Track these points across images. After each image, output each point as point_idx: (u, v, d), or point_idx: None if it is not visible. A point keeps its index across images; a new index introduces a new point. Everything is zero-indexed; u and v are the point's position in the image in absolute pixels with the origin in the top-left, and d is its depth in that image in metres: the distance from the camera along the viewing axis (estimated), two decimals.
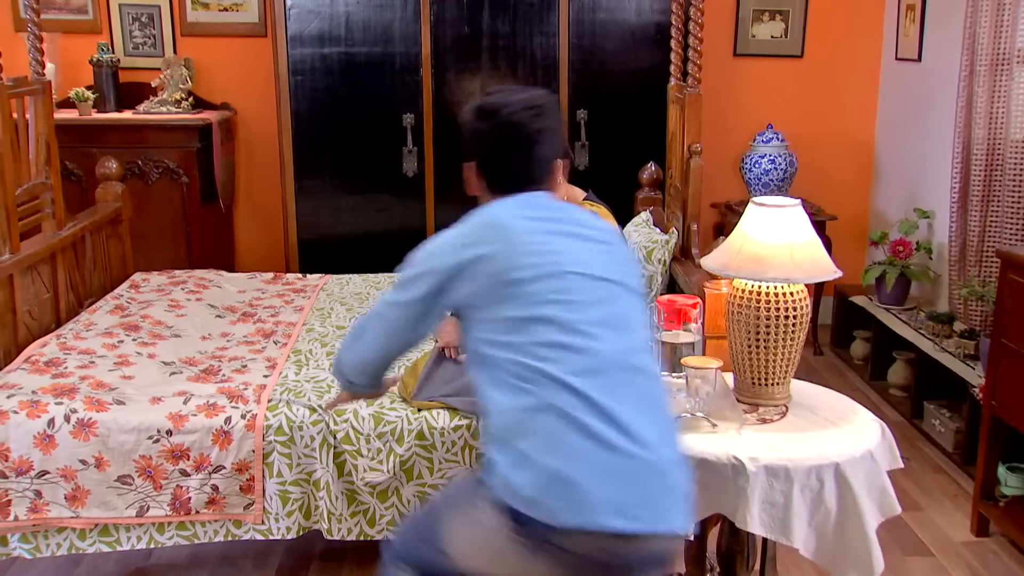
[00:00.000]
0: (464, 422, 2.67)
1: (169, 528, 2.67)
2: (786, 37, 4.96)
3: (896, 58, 4.80)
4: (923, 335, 3.93)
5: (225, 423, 2.62)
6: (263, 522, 2.65)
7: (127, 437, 2.59)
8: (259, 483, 2.62)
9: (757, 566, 2.40)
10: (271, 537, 2.67)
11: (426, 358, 2.88)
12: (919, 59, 4.55)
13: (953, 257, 4.01)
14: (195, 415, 2.64)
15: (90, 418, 2.60)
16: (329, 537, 2.68)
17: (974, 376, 3.47)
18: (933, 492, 3.45)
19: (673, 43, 3.61)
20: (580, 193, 2.87)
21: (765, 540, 2.35)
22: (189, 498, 2.61)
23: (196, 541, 2.70)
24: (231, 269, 4.84)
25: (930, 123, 4.45)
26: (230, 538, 2.70)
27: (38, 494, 2.58)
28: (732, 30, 4.94)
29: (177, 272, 4.01)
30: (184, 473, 2.61)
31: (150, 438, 2.60)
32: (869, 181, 5.12)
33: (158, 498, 2.61)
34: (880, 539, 2.12)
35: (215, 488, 2.62)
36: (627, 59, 4.40)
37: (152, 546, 2.69)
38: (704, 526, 2.57)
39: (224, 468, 2.61)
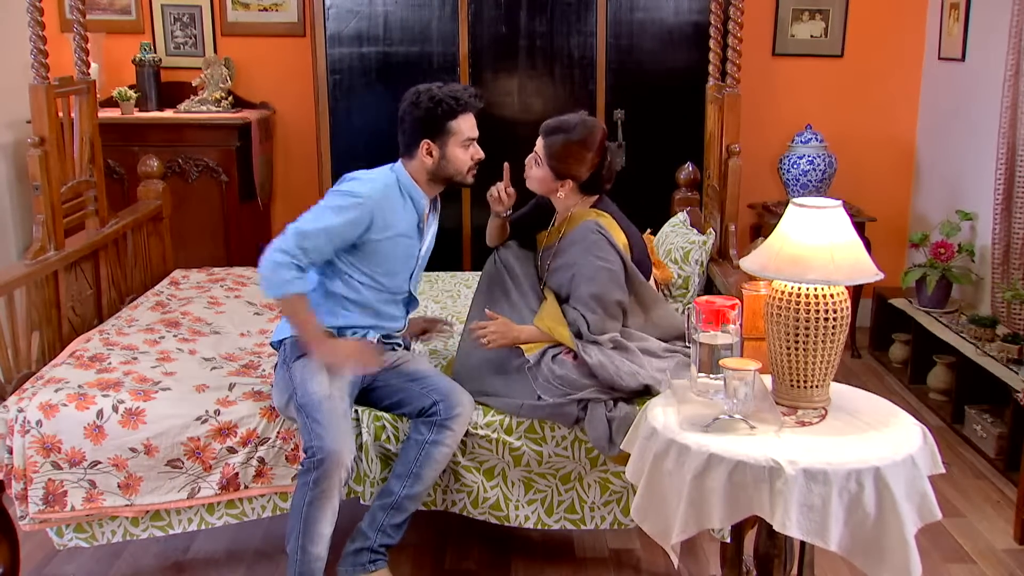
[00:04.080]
0: (498, 418, 2.71)
1: (218, 508, 2.72)
2: (826, 36, 4.91)
3: (939, 58, 4.73)
4: (964, 339, 3.87)
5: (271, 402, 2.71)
6: None
7: (175, 421, 2.64)
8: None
9: (794, 570, 2.38)
10: None
11: (451, 363, 2.90)
12: (963, 59, 4.49)
13: (996, 260, 3.96)
14: (242, 400, 2.71)
15: (138, 407, 2.65)
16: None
17: (1017, 381, 3.42)
18: (975, 499, 3.40)
19: (712, 43, 3.58)
20: (589, 202, 2.83)
21: (802, 543, 2.33)
22: (236, 474, 2.65)
23: (244, 519, 2.74)
24: None
25: (973, 124, 4.39)
26: (277, 512, 2.74)
27: (92, 484, 2.63)
28: (771, 29, 4.90)
29: (216, 269, 4.06)
30: (231, 450, 2.66)
31: (198, 419, 2.64)
32: (910, 182, 5.06)
33: (208, 478, 2.66)
34: (921, 545, 2.10)
35: (261, 460, 2.66)
36: (665, 59, 4.38)
37: (202, 527, 2.73)
38: (741, 529, 2.55)
39: (270, 439, 2.66)
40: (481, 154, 2.79)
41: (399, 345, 2.89)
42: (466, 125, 2.72)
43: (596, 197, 2.82)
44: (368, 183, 2.67)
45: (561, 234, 2.80)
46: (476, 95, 2.76)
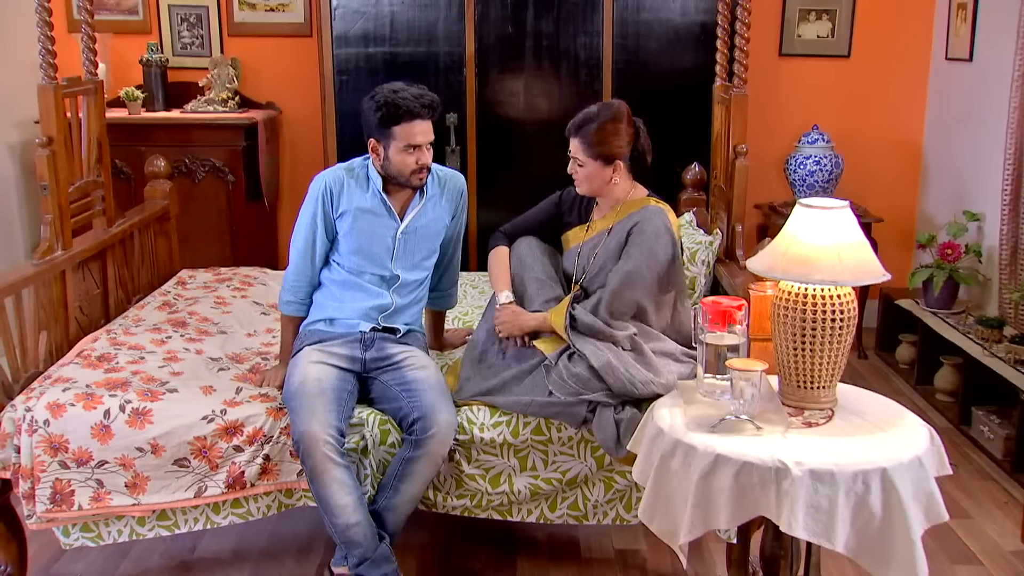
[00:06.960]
0: (504, 419, 2.70)
1: (224, 507, 2.73)
2: (833, 37, 4.90)
3: (946, 58, 4.72)
4: (971, 340, 3.86)
5: (280, 403, 2.73)
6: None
7: (181, 421, 2.64)
8: None
9: (801, 571, 2.37)
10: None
11: (459, 362, 2.90)
12: (970, 59, 4.47)
13: (1003, 261, 3.94)
14: (249, 400, 2.74)
15: (145, 407, 2.65)
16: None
17: None
18: (982, 500, 3.39)
19: (718, 43, 3.58)
20: (643, 191, 2.86)
21: (809, 544, 2.33)
22: (243, 472, 2.66)
23: (250, 518, 2.74)
24: (275, 267, 4.89)
25: (981, 124, 4.38)
26: (283, 509, 2.74)
27: (99, 483, 2.64)
28: (778, 30, 4.90)
29: (222, 269, 4.06)
30: (238, 449, 2.66)
31: (204, 418, 2.65)
32: (916, 183, 5.05)
33: (215, 477, 2.66)
34: (928, 547, 2.09)
35: (267, 458, 2.67)
36: (671, 59, 4.38)
37: (208, 527, 2.74)
38: (747, 529, 2.55)
39: (274, 436, 2.67)
40: (426, 160, 2.79)
41: (399, 336, 2.88)
42: (411, 132, 2.73)
43: (645, 188, 2.83)
44: (331, 169, 2.90)
45: (615, 221, 2.79)
46: (428, 105, 2.74)
